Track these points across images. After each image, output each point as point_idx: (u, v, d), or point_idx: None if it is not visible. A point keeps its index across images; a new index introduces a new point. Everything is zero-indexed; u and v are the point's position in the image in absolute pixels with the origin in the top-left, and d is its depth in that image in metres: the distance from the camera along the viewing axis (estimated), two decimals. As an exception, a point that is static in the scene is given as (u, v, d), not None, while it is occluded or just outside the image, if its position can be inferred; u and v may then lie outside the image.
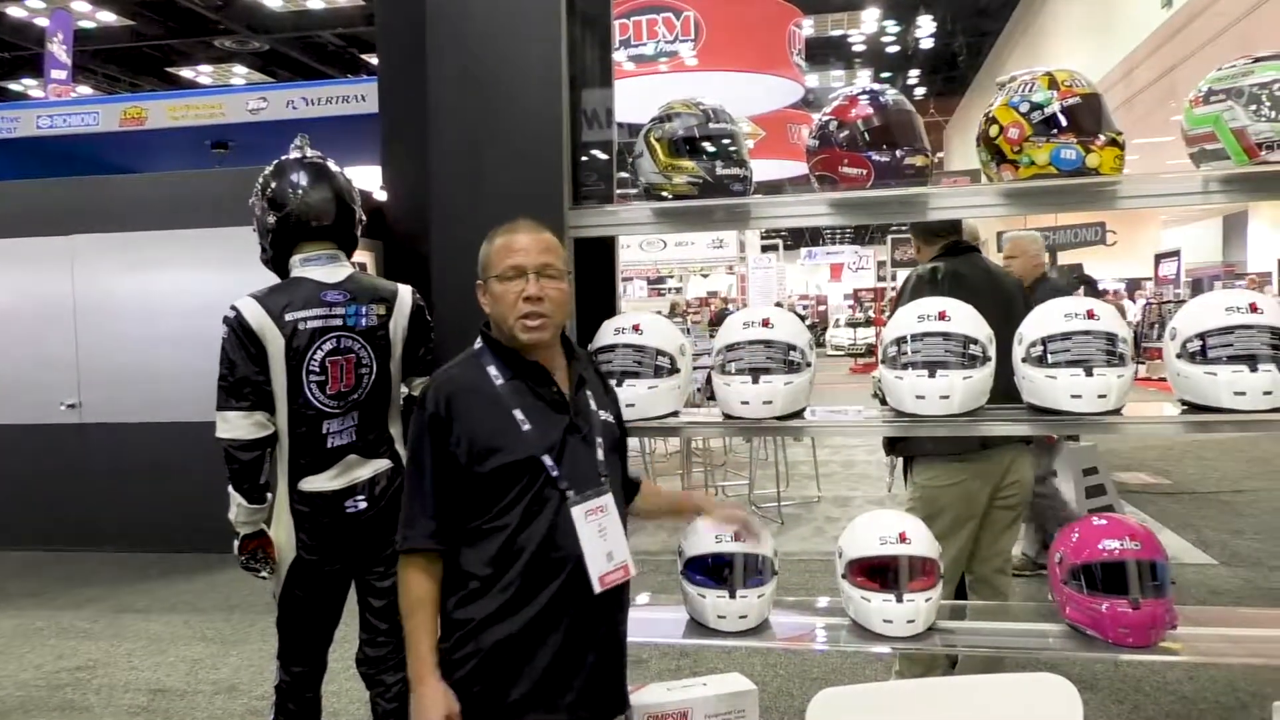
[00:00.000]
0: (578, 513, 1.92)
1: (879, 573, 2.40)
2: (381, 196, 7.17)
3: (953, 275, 3.20)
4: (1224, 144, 2.21)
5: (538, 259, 1.96)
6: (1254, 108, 2.16)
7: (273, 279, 2.73)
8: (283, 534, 2.64)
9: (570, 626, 1.93)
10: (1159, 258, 21.13)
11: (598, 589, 1.92)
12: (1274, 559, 2.34)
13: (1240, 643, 2.44)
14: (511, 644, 1.91)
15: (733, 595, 2.45)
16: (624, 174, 2.99)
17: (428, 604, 1.94)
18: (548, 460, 1.92)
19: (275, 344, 2.55)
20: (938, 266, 3.26)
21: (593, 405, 2.05)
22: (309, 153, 2.77)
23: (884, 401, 2.50)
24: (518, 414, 1.93)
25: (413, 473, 1.98)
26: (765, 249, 23.01)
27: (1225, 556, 5.79)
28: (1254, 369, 2.15)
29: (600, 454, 2.01)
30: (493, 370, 1.97)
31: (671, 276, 25.95)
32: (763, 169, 13.56)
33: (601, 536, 1.94)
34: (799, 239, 37.36)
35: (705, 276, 27.67)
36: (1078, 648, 2.35)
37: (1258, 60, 2.21)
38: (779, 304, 18.93)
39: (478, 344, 2.04)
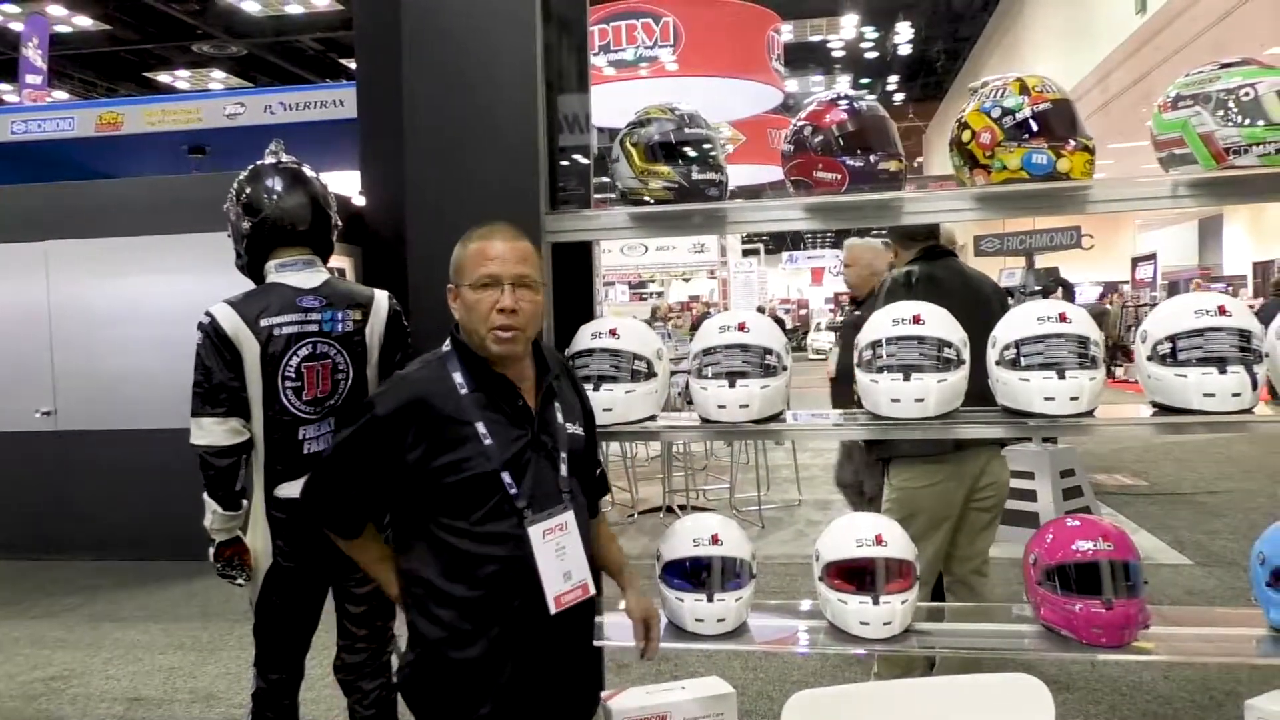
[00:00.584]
0: (535, 532, 1.89)
1: (856, 575, 2.41)
2: (360, 202, 7.16)
3: (927, 279, 3.22)
4: (1192, 149, 2.24)
5: (514, 269, 1.91)
6: (1221, 113, 2.19)
7: (249, 285, 2.72)
8: (259, 541, 2.63)
9: (531, 645, 1.91)
10: (1135, 261, 21.33)
11: (553, 609, 1.89)
12: (1248, 559, 2.36)
13: (1214, 641, 2.46)
14: (474, 663, 1.89)
15: (710, 599, 2.45)
16: (605, 178, 2.99)
17: (372, 548, 2.07)
18: (506, 477, 1.88)
19: (250, 350, 2.54)
20: (912, 270, 3.28)
21: (560, 419, 2.01)
22: (284, 158, 2.76)
23: (859, 404, 2.51)
24: (480, 426, 1.89)
25: (336, 466, 1.98)
26: (746, 253, 23.07)
27: (1201, 557, 5.86)
28: (1223, 371, 2.18)
29: (564, 470, 1.97)
30: (458, 378, 1.92)
31: (653, 281, 25.95)
32: (743, 174, 13.59)
33: (559, 556, 1.91)
34: (780, 243, 37.47)
35: (687, 281, 27.69)
36: (1052, 648, 2.37)
37: (1224, 66, 2.24)
38: (760, 308, 18.96)
39: (446, 347, 1.99)
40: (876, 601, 2.36)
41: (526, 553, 1.88)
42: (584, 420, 2.12)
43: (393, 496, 1.96)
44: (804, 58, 21.18)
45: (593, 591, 1.98)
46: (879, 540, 2.40)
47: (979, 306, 3.08)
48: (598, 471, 2.22)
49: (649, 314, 17.80)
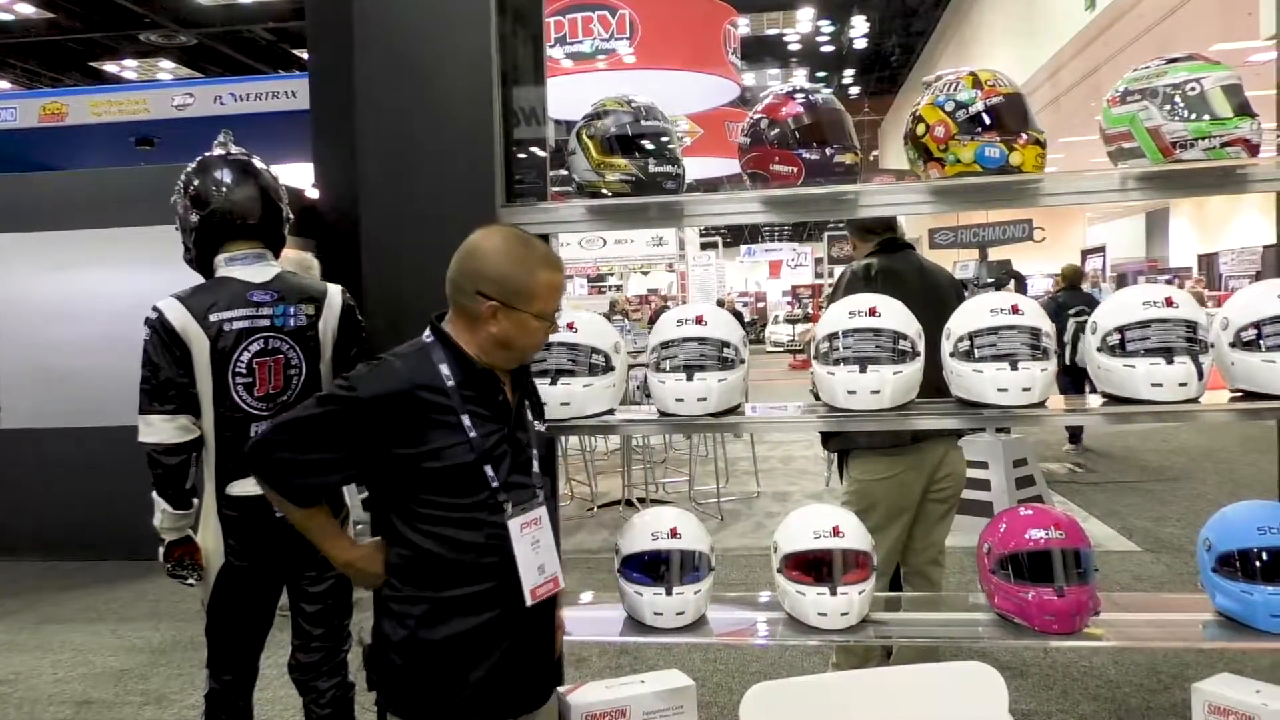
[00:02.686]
0: (514, 525, 1.91)
1: (813, 566, 2.42)
2: (314, 194, 7.04)
3: (885, 272, 3.24)
4: (1140, 143, 2.28)
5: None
6: (1168, 108, 2.23)
7: (199, 279, 2.67)
8: (210, 539, 2.58)
9: (504, 635, 1.92)
10: (1085, 254, 21.72)
11: (529, 601, 1.92)
12: (1195, 544, 2.43)
13: (1162, 627, 2.52)
14: (447, 652, 1.90)
15: (669, 592, 2.46)
16: (563, 171, 2.98)
17: (320, 515, 2.01)
18: (489, 470, 1.89)
19: (200, 345, 2.49)
20: (871, 263, 3.30)
21: (529, 415, 2.04)
22: (233, 149, 2.70)
23: (818, 397, 2.53)
24: (465, 419, 1.88)
25: (303, 435, 1.89)
26: (704, 246, 23.13)
27: (1149, 543, 5.98)
28: (1170, 361, 2.22)
29: (536, 465, 2.00)
30: (445, 370, 1.90)
31: (612, 274, 25.91)
32: (701, 167, 13.61)
33: (534, 549, 1.94)
34: (738, 236, 37.60)
35: (646, 274, 27.67)
36: (1006, 635, 2.40)
37: (1171, 61, 2.28)
38: (720, 301, 19.01)
39: (428, 337, 1.97)
40: (834, 592, 2.38)
41: (503, 543, 1.90)
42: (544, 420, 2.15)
43: (362, 478, 2.01)
44: (760, 51, 21.24)
45: (562, 585, 2.01)
46: (836, 532, 2.42)
47: (936, 299, 3.10)
48: None
49: (607, 307, 17.77)
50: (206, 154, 2.69)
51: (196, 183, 2.62)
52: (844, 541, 2.41)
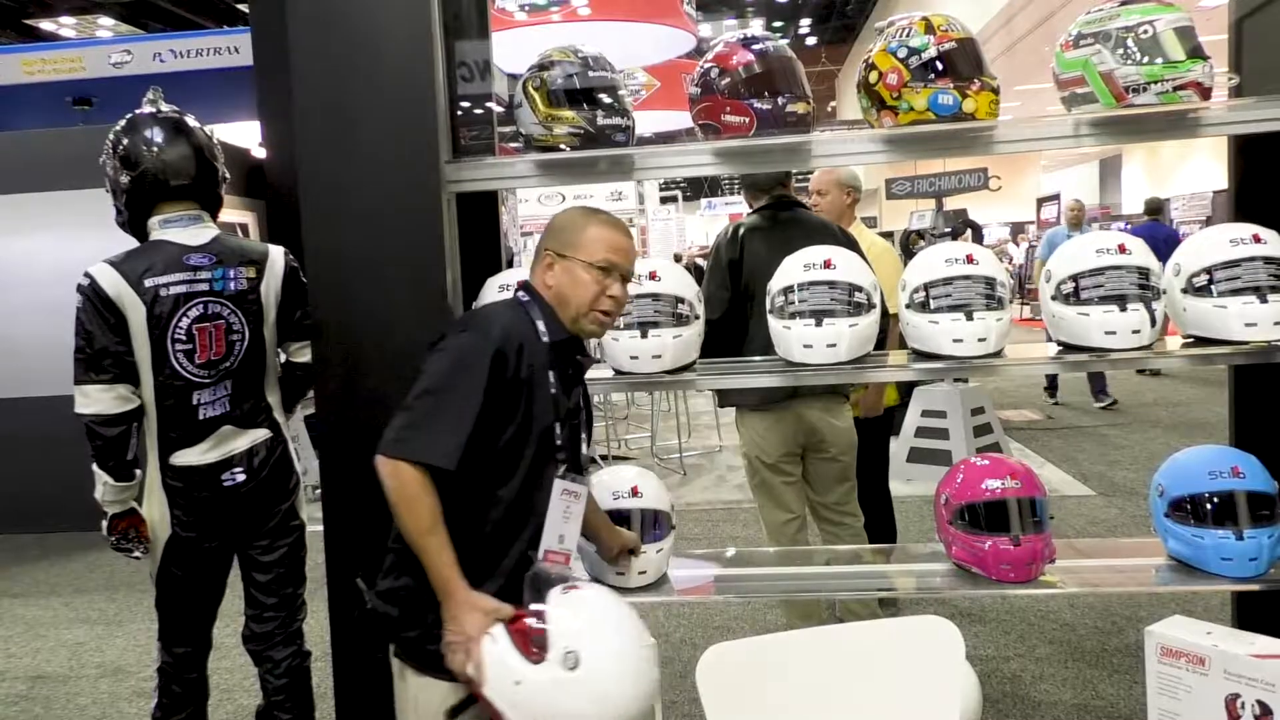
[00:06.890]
0: (557, 487, 1.94)
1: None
2: (261, 154, 6.83)
3: (752, 231, 3.30)
4: (1093, 88, 2.25)
5: (628, 265, 2.00)
6: (1121, 51, 2.19)
7: (136, 244, 2.57)
8: (156, 511, 2.52)
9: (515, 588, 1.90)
10: (1040, 201, 21.88)
11: (539, 559, 1.91)
12: (1148, 488, 2.48)
13: (1116, 571, 2.54)
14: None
15: (633, 552, 2.44)
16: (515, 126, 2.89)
17: (440, 521, 1.78)
18: (559, 429, 1.94)
19: (136, 312, 2.41)
20: (742, 224, 3.35)
21: (581, 399, 2.08)
22: (163, 107, 2.60)
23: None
24: (551, 376, 1.92)
25: (448, 389, 1.81)
26: (664, 201, 22.97)
27: (1103, 488, 6.09)
28: (1123, 309, 2.22)
29: (585, 446, 2.05)
30: (541, 327, 1.94)
31: (571, 230, 25.68)
32: (658, 120, 13.43)
33: (565, 519, 1.95)
34: (698, 190, 37.38)
35: (605, 230, 27.44)
36: (963, 585, 2.41)
37: (1124, 3, 2.24)
38: (677, 256, 18.91)
39: (524, 297, 2.00)
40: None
41: (543, 500, 1.92)
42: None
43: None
44: (716, 2, 20.95)
45: (571, 565, 2.00)
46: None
47: None
48: None
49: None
50: (135, 112, 2.58)
51: (125, 142, 2.52)
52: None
